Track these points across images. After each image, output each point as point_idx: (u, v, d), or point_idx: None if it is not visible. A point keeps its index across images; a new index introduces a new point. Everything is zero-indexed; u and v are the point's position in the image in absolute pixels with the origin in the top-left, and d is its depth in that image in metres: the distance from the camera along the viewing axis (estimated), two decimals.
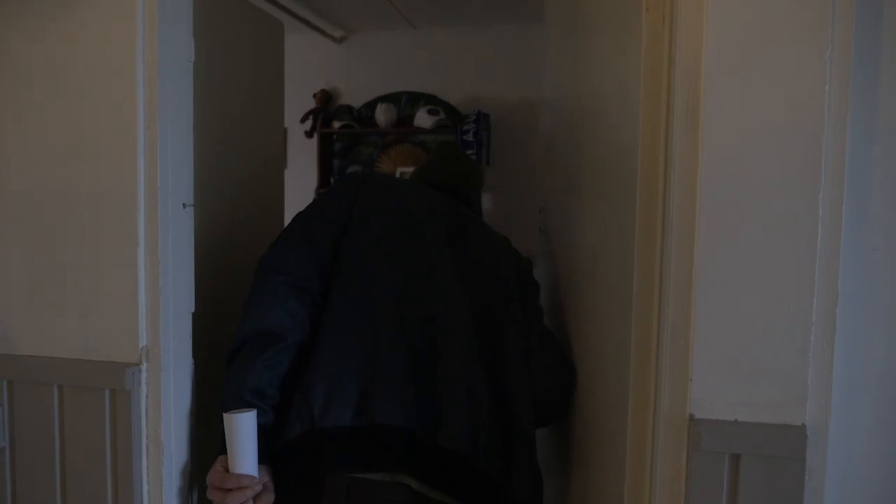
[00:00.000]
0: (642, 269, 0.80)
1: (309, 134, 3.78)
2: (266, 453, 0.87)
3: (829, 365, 0.75)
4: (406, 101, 3.75)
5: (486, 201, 3.64)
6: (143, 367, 0.88)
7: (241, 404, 0.86)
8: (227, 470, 0.85)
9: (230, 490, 0.83)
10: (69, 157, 0.90)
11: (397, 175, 3.51)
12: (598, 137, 1.03)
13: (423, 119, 3.57)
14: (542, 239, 1.63)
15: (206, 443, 0.95)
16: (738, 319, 0.76)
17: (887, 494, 0.78)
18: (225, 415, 0.84)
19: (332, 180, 3.78)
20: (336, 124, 3.74)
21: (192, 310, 0.96)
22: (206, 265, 1.04)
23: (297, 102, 3.71)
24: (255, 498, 0.85)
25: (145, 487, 0.88)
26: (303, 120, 3.75)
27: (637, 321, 0.81)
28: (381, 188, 1.08)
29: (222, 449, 0.86)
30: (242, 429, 0.83)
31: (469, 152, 3.45)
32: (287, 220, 1.07)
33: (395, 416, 0.89)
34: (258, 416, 0.86)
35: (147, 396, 0.88)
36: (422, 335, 0.96)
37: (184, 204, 0.93)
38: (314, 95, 3.81)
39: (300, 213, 1.05)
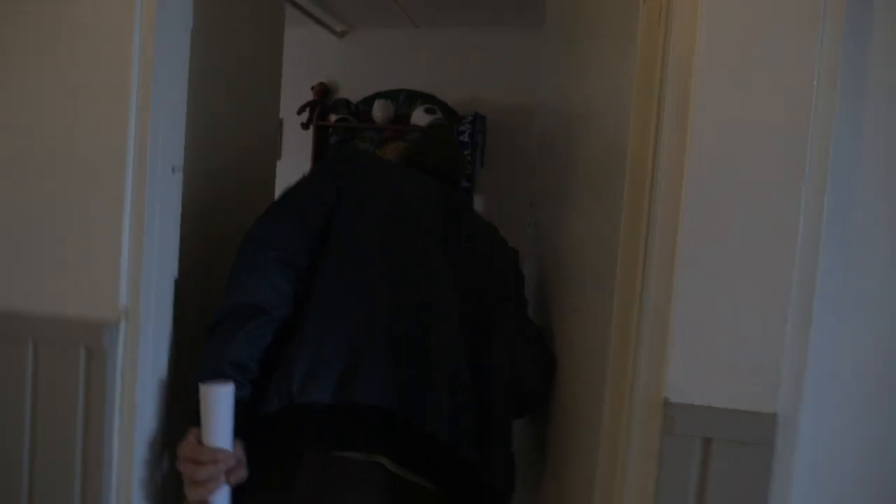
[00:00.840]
0: (627, 257, 0.81)
1: (305, 126, 3.78)
2: (242, 427, 0.86)
3: (803, 355, 0.76)
4: (404, 99, 3.76)
5: (479, 203, 3.66)
6: (122, 326, 0.87)
7: (219, 376, 0.85)
8: (200, 442, 0.83)
9: (203, 463, 0.82)
10: (59, 114, 0.90)
11: None
12: (591, 130, 1.05)
13: (419, 117, 3.58)
14: (531, 233, 1.65)
15: (181, 409, 0.94)
16: (717, 308, 0.76)
17: (856, 485, 0.79)
18: (201, 386, 0.82)
19: None
20: (333, 117, 3.74)
21: (176, 275, 0.95)
22: (194, 233, 1.03)
23: (296, 94, 3.71)
24: (228, 472, 0.84)
25: (115, 447, 0.87)
26: (300, 111, 3.76)
27: (619, 307, 0.82)
28: (377, 173, 1.07)
29: (195, 420, 0.85)
30: (219, 402, 0.81)
31: (464, 153, 3.47)
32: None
33: (374, 397, 0.89)
34: (236, 389, 0.84)
35: (124, 357, 0.87)
36: (415, 322, 0.95)
37: (173, 168, 0.93)
38: (312, 88, 3.81)
39: (291, 187, 1.04)
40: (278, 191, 1.49)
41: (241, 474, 0.86)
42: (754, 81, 0.74)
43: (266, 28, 1.42)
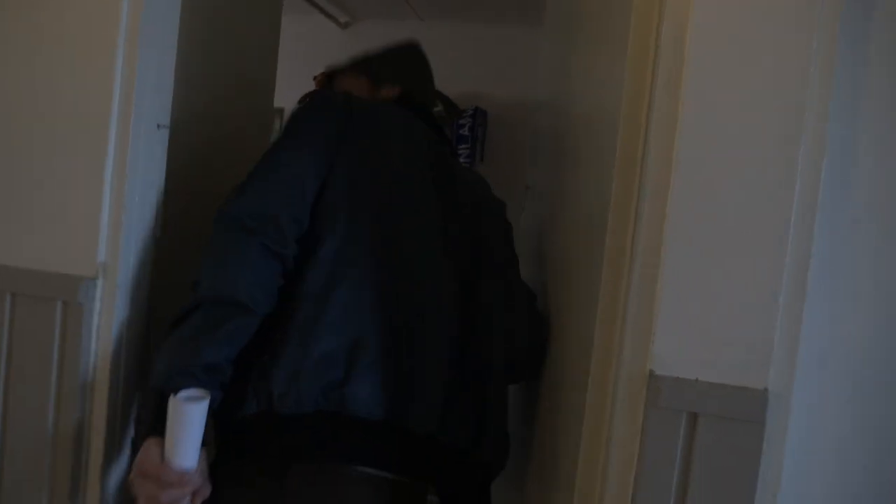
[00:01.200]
0: (616, 225, 0.79)
1: None
2: (210, 430, 0.78)
3: (796, 330, 0.74)
4: None
5: None
6: (99, 282, 0.85)
7: (188, 379, 0.74)
8: (162, 457, 0.73)
9: (167, 483, 0.72)
10: (43, 67, 0.88)
11: None
12: (586, 105, 1.03)
13: None
14: (525, 215, 1.63)
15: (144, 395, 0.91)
16: (707, 277, 0.74)
17: (846, 465, 0.77)
18: (174, 400, 0.72)
19: None
20: None
21: (157, 234, 0.93)
22: (179, 192, 1.00)
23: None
24: (194, 494, 0.74)
25: (88, 403, 0.85)
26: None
27: (607, 276, 0.80)
28: (375, 149, 0.94)
29: (156, 426, 0.74)
30: (193, 419, 0.72)
31: (463, 146, 3.46)
32: None
33: (366, 407, 0.81)
34: (206, 393, 0.75)
35: (100, 313, 0.85)
36: (413, 316, 0.88)
37: (158, 124, 0.91)
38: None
39: (275, 152, 0.89)
40: None
41: (206, 492, 0.77)
42: (750, 51, 0.72)
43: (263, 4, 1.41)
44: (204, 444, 0.75)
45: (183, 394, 0.73)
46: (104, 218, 0.86)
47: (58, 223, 0.87)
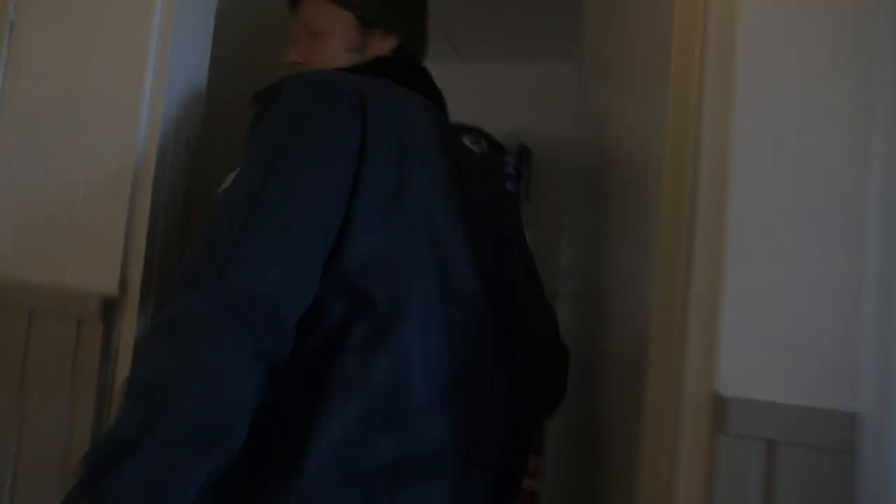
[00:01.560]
0: (668, 224, 0.71)
1: None
2: None
3: (890, 342, 0.63)
4: None
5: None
6: (119, 301, 0.82)
7: None
8: None
9: None
10: (74, 74, 0.88)
11: None
12: (630, 128, 0.96)
13: None
14: (567, 239, 1.55)
15: None
16: (776, 282, 0.65)
17: None
18: None
19: None
20: None
21: (180, 254, 0.90)
22: (202, 209, 0.98)
23: None
24: None
25: (103, 420, 0.81)
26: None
27: (661, 283, 0.71)
28: (399, 163, 0.69)
29: None
30: None
31: (508, 184, 3.43)
32: None
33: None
34: None
35: (119, 331, 0.82)
36: (471, 406, 0.72)
37: (187, 139, 0.90)
38: None
39: (272, 186, 0.62)
40: None
41: None
42: (808, 26, 0.65)
43: None
44: None
45: None
46: (127, 236, 0.84)
47: (80, 240, 0.85)
